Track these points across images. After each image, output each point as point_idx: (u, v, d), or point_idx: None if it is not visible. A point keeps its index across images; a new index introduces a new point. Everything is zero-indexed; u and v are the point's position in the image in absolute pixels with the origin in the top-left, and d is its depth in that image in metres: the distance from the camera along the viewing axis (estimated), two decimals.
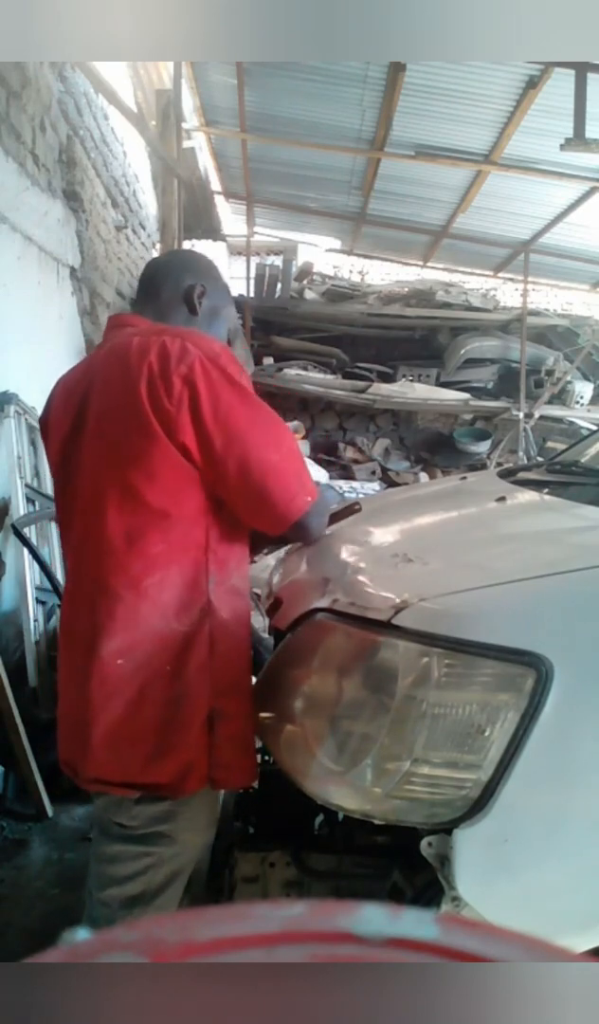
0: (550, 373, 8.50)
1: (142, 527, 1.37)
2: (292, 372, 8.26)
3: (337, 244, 9.65)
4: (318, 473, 6.88)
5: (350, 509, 1.65)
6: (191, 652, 1.38)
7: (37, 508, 3.47)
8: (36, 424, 3.70)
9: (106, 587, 1.38)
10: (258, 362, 8.39)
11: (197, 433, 1.34)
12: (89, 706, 1.37)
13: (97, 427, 1.43)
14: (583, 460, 2.15)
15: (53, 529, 3.56)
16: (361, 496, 6.30)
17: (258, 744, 1.60)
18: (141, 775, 1.37)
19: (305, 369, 8.42)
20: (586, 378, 8.77)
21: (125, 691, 1.36)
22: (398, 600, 1.22)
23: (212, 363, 1.36)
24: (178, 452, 1.34)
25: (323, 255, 10.52)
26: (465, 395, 8.58)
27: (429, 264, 9.25)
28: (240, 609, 1.45)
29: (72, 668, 1.45)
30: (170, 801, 1.39)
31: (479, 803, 1.11)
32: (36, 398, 3.76)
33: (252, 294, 8.93)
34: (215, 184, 8.72)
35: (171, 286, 1.58)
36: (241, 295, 9.01)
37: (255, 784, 1.77)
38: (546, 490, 1.83)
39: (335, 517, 1.62)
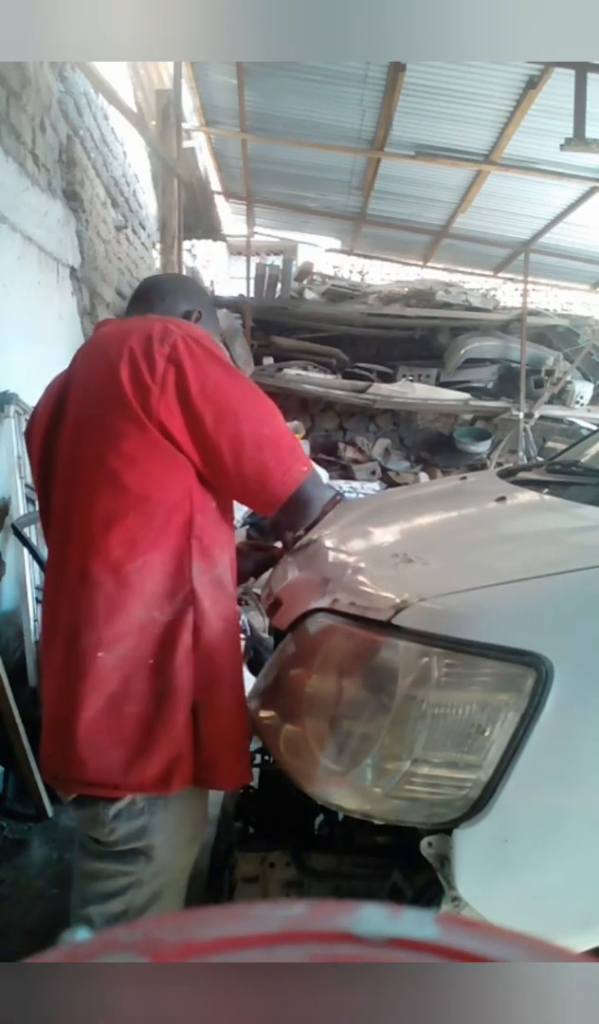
0: (550, 373, 8.49)
1: (123, 512, 1.33)
2: (292, 372, 8.26)
3: (337, 244, 9.65)
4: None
5: (332, 501, 1.63)
6: (175, 643, 1.34)
7: (37, 508, 3.47)
8: None
9: (87, 575, 1.33)
10: (258, 362, 8.38)
11: (185, 412, 1.32)
12: (70, 703, 1.32)
13: (77, 415, 1.41)
14: (583, 460, 2.15)
15: None
16: (360, 495, 6.29)
17: (258, 744, 1.60)
18: (125, 775, 1.31)
19: (305, 369, 8.41)
20: (586, 378, 8.76)
21: (107, 686, 1.31)
22: (398, 600, 1.22)
23: (195, 342, 1.35)
24: (158, 434, 1.32)
25: (323, 255, 10.52)
26: (465, 395, 8.57)
27: (429, 264, 9.25)
28: (224, 601, 1.41)
29: (53, 664, 1.40)
30: (146, 816, 1.34)
31: (479, 803, 1.11)
32: (36, 398, 3.75)
33: (252, 294, 8.92)
34: (215, 184, 8.71)
35: (168, 305, 1.57)
36: (241, 295, 9.01)
37: (254, 784, 1.77)
38: (546, 490, 1.83)
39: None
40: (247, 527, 1.89)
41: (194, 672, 1.35)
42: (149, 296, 1.61)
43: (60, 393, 1.48)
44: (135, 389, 1.31)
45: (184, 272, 6.20)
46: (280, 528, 1.69)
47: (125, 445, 1.32)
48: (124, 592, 1.33)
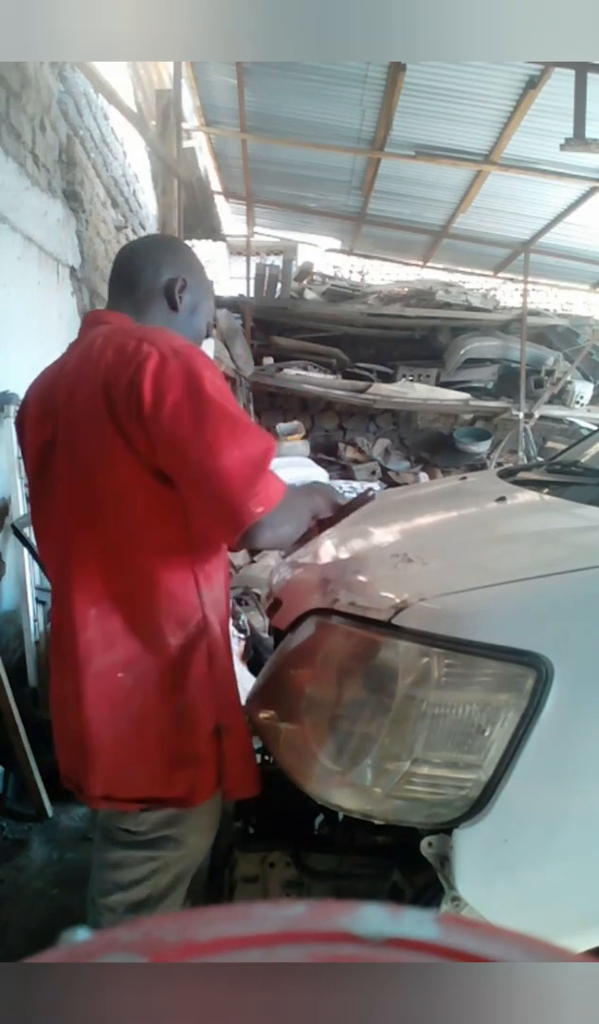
0: (550, 373, 8.50)
1: (123, 541, 1.32)
2: (292, 372, 8.27)
3: (337, 244, 9.65)
4: (318, 473, 6.87)
5: (364, 498, 1.58)
6: (189, 668, 1.33)
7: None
8: None
9: (99, 599, 1.32)
10: (258, 362, 8.38)
11: (148, 438, 1.25)
12: (90, 721, 1.32)
13: (68, 439, 1.35)
14: (583, 460, 2.15)
15: None
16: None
17: (258, 744, 1.60)
18: (150, 789, 1.33)
19: (305, 369, 8.42)
20: (586, 378, 8.77)
21: (127, 706, 1.32)
22: (398, 600, 1.22)
23: (165, 361, 1.25)
24: (144, 461, 1.28)
25: (323, 255, 10.53)
26: (465, 395, 8.58)
27: (429, 264, 9.25)
28: (225, 621, 1.42)
29: (68, 680, 1.38)
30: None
31: (479, 803, 1.11)
32: None
33: (252, 294, 8.92)
34: (215, 184, 8.72)
35: (149, 278, 1.47)
36: (241, 295, 9.01)
37: None
38: (546, 490, 1.83)
39: (348, 508, 1.55)
40: None
41: (212, 695, 1.35)
42: (129, 270, 1.50)
43: (53, 402, 1.41)
44: (112, 415, 1.27)
45: None
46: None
47: (115, 474, 1.29)
48: (137, 617, 1.32)
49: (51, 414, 1.41)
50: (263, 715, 1.46)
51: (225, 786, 1.37)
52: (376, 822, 1.21)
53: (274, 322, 8.86)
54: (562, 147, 4.68)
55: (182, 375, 1.24)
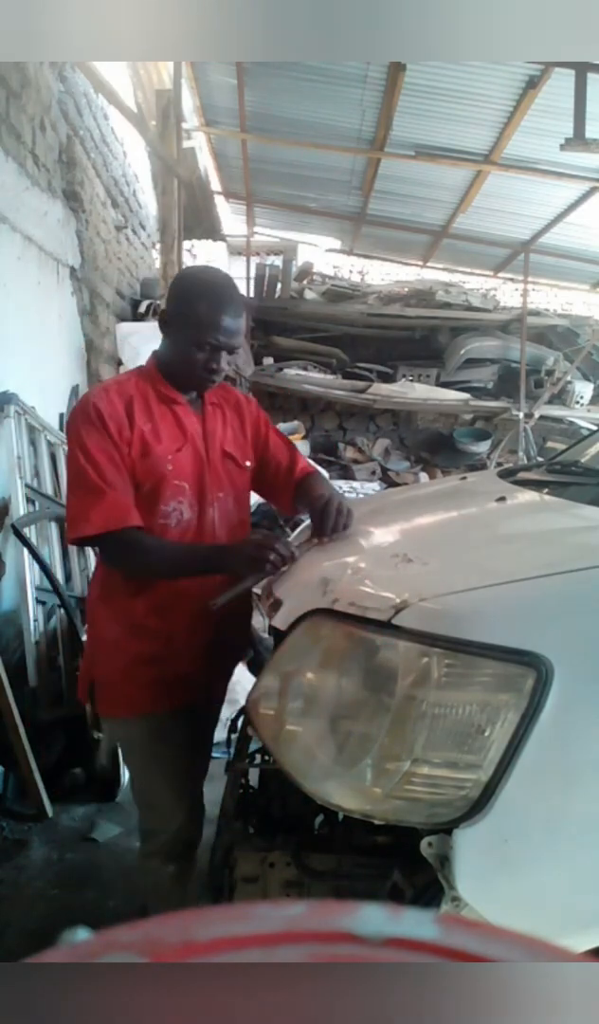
0: (550, 373, 8.49)
1: None
2: (292, 372, 8.26)
3: (337, 244, 9.65)
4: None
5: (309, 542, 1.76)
6: (94, 624, 1.90)
7: (37, 508, 3.47)
8: (36, 424, 3.69)
9: None
10: (258, 362, 8.38)
11: None
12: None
13: None
14: (583, 460, 2.14)
15: (53, 529, 3.56)
16: (360, 495, 6.27)
17: (258, 743, 1.60)
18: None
19: (305, 369, 8.41)
20: (586, 378, 8.76)
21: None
22: (398, 600, 1.22)
23: (74, 414, 1.74)
24: None
25: (323, 255, 10.53)
26: (465, 395, 8.57)
27: (429, 264, 9.25)
28: (125, 612, 1.78)
29: None
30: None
31: (479, 803, 1.11)
32: (36, 398, 3.76)
33: (252, 294, 8.92)
34: (215, 184, 8.72)
35: (165, 305, 1.85)
36: (241, 295, 9.01)
37: (254, 784, 1.77)
38: (546, 490, 1.83)
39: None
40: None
41: (92, 654, 1.87)
42: None
43: None
44: None
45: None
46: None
47: None
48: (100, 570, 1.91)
49: None
50: (263, 714, 1.46)
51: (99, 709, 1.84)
52: (376, 822, 1.21)
53: (274, 322, 8.85)
54: (562, 147, 4.68)
55: (71, 423, 1.74)
